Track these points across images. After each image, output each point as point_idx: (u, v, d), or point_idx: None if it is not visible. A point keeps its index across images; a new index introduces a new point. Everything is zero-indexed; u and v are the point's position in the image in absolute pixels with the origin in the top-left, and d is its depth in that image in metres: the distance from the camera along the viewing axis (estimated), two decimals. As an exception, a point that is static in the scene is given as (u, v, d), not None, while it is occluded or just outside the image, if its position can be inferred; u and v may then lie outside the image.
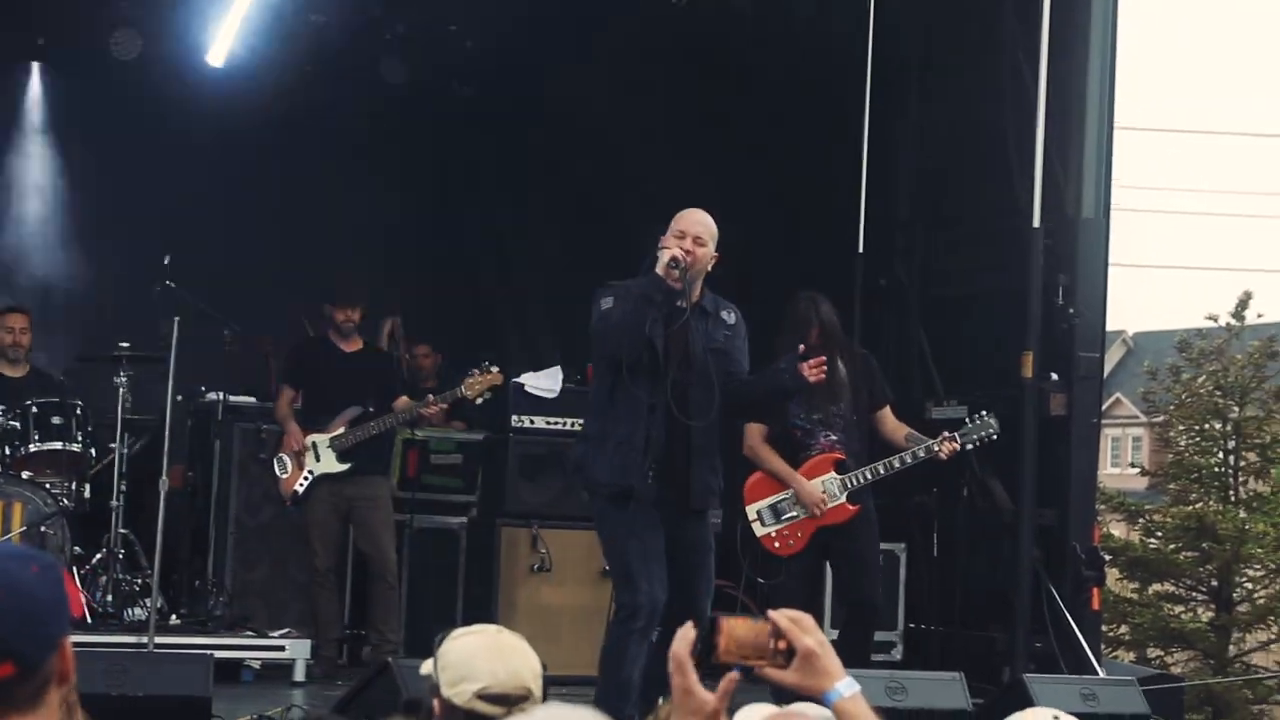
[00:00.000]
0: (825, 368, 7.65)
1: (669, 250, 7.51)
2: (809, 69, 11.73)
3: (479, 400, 9.90)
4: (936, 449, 9.03)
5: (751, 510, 9.10)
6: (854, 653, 9.12)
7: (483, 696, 3.86)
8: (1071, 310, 10.35)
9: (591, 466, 7.71)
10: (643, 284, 7.51)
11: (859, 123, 11.08)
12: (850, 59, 11.15)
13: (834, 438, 9.11)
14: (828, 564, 9.47)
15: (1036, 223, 10.12)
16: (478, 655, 3.92)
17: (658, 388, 7.54)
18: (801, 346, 7.70)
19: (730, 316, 7.80)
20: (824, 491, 9.00)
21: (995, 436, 9.19)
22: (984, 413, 9.17)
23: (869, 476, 9.09)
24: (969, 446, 9.16)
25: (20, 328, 10.67)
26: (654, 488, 7.55)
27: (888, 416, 9.31)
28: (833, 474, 9.04)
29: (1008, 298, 10.41)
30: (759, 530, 9.10)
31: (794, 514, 9.03)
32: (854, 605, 9.28)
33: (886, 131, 11.43)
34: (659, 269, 7.47)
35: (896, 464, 9.14)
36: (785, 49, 11.73)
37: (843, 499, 9.04)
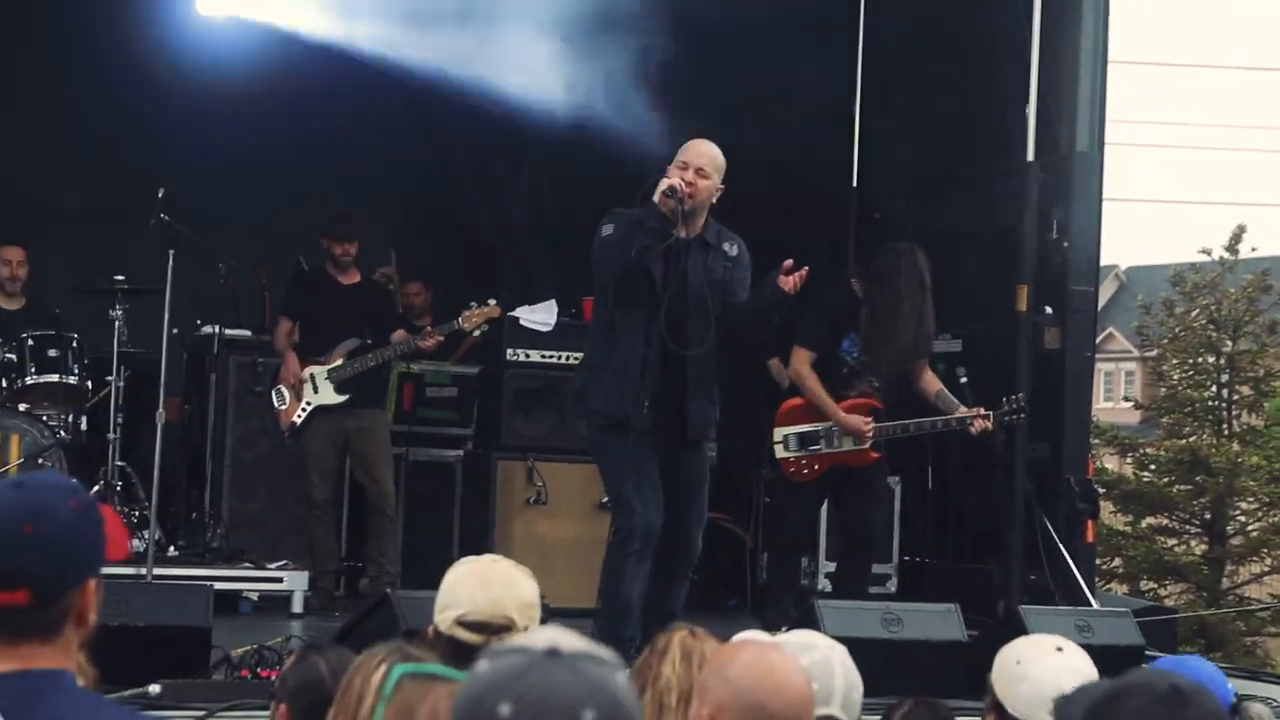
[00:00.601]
0: (802, 276, 7.65)
1: (667, 179, 7.53)
2: (803, 7, 11.68)
3: (476, 333, 9.94)
4: (969, 423, 9.08)
5: (780, 432, 9.18)
6: (852, 585, 9.23)
7: (462, 623, 3.90)
8: (1065, 244, 10.36)
9: (590, 395, 7.77)
10: (639, 211, 7.55)
11: (854, 54, 11.05)
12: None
13: (875, 384, 9.17)
14: (828, 501, 9.60)
15: (1031, 157, 10.13)
16: (462, 583, 3.96)
17: (654, 318, 7.58)
18: (787, 262, 7.68)
19: (733, 248, 7.82)
20: None
21: (1023, 418, 9.27)
22: (1019, 395, 9.25)
23: (899, 432, 9.18)
24: (1002, 423, 9.25)
25: (18, 260, 10.69)
26: (649, 417, 7.60)
27: (924, 367, 9.35)
28: (868, 420, 9.10)
29: (1002, 232, 10.43)
30: (780, 452, 9.18)
31: (819, 447, 9.10)
32: (858, 540, 9.39)
33: (881, 63, 11.41)
34: (655, 196, 7.50)
35: (927, 427, 9.24)
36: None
37: (867, 445, 9.12)
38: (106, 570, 2.91)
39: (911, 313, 9.06)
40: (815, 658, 3.60)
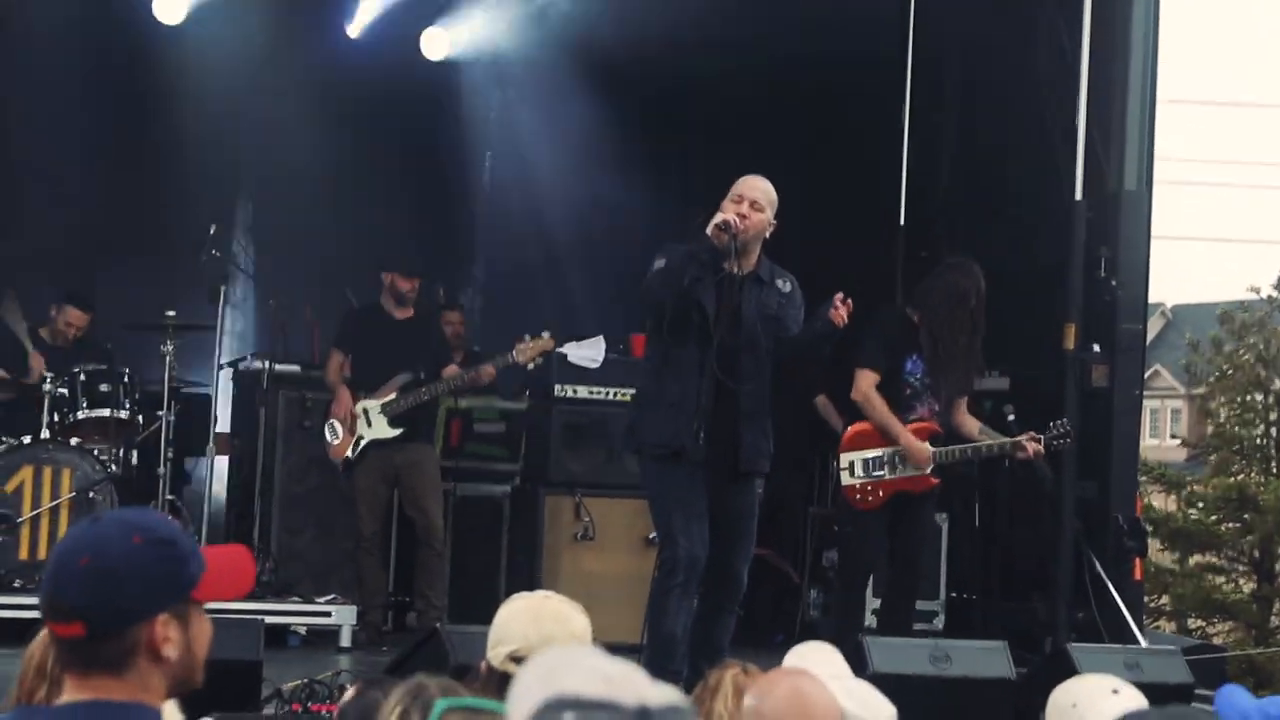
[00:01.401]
0: (850, 308, 7.66)
1: (721, 213, 7.57)
2: (852, 43, 11.71)
3: (530, 366, 9.97)
4: (1021, 447, 9.06)
5: (845, 458, 9.12)
6: (898, 620, 9.19)
7: (515, 658, 3.92)
8: (1113, 282, 10.36)
9: (643, 428, 7.78)
10: (692, 244, 7.59)
11: (901, 96, 11.07)
12: (893, 32, 11.15)
13: (936, 408, 9.15)
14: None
15: (1079, 195, 10.13)
16: (515, 619, 3.98)
17: (707, 350, 7.61)
18: (839, 294, 7.69)
19: (786, 285, 7.84)
20: None
21: (1070, 443, 9.26)
22: (1063, 420, 9.22)
23: (958, 456, 9.16)
24: (1050, 448, 9.25)
25: (80, 324, 10.74)
26: (703, 449, 7.60)
27: (963, 405, 9.32)
28: (927, 445, 9.07)
29: (1050, 270, 10.42)
30: (846, 479, 9.13)
31: (883, 473, 9.07)
32: (906, 574, 9.33)
33: (929, 104, 11.42)
34: (708, 229, 7.54)
35: (984, 451, 9.21)
36: (828, 24, 11.70)
37: (928, 470, 9.09)
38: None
39: (966, 328, 9.06)
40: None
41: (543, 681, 2.17)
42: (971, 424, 9.25)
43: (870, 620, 10.42)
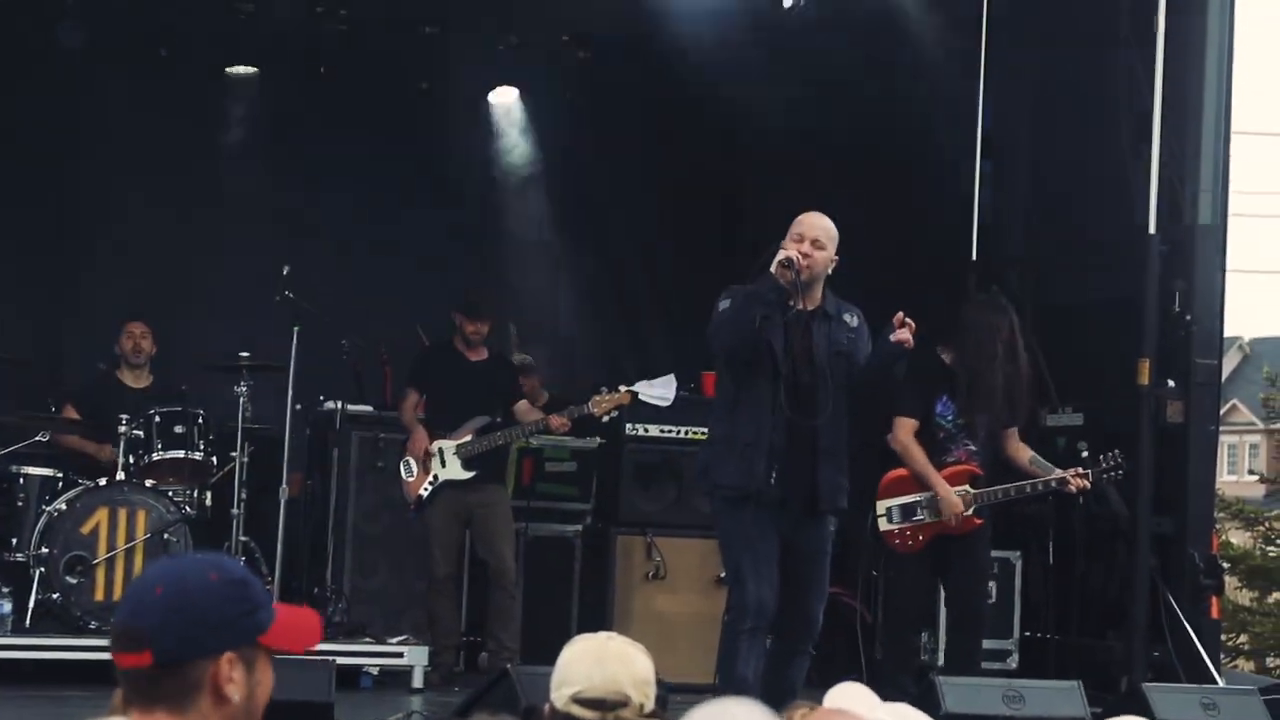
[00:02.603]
0: (913, 328, 7.63)
1: (785, 250, 7.55)
2: (922, 74, 11.70)
3: (605, 419, 10.01)
4: (1066, 483, 9.03)
5: (882, 505, 9.12)
6: (965, 661, 9.15)
7: (578, 700, 3.91)
8: (1189, 317, 10.28)
9: (717, 470, 7.74)
10: (754, 286, 7.57)
11: (973, 129, 11.04)
12: (965, 65, 11.12)
13: (973, 448, 9.11)
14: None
15: (1153, 229, 10.06)
16: (578, 660, 3.97)
17: (778, 390, 7.58)
18: (899, 315, 7.66)
19: (853, 319, 7.82)
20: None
21: (1123, 474, 9.20)
22: (1116, 452, 9.17)
23: (1000, 497, 9.11)
24: (1100, 480, 9.19)
25: (140, 333, 10.88)
26: (778, 490, 7.58)
27: (1014, 435, 9.29)
28: (967, 487, 9.04)
29: (1123, 305, 10.35)
30: (883, 525, 9.14)
31: (921, 517, 9.05)
32: (965, 614, 9.31)
33: (1001, 137, 11.38)
34: (772, 268, 7.52)
35: (1028, 489, 9.17)
36: (899, 62, 11.70)
37: (970, 512, 9.05)
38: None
39: (999, 367, 9.01)
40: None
41: None
42: (1024, 454, 9.22)
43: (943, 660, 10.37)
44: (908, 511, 9.08)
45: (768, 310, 7.53)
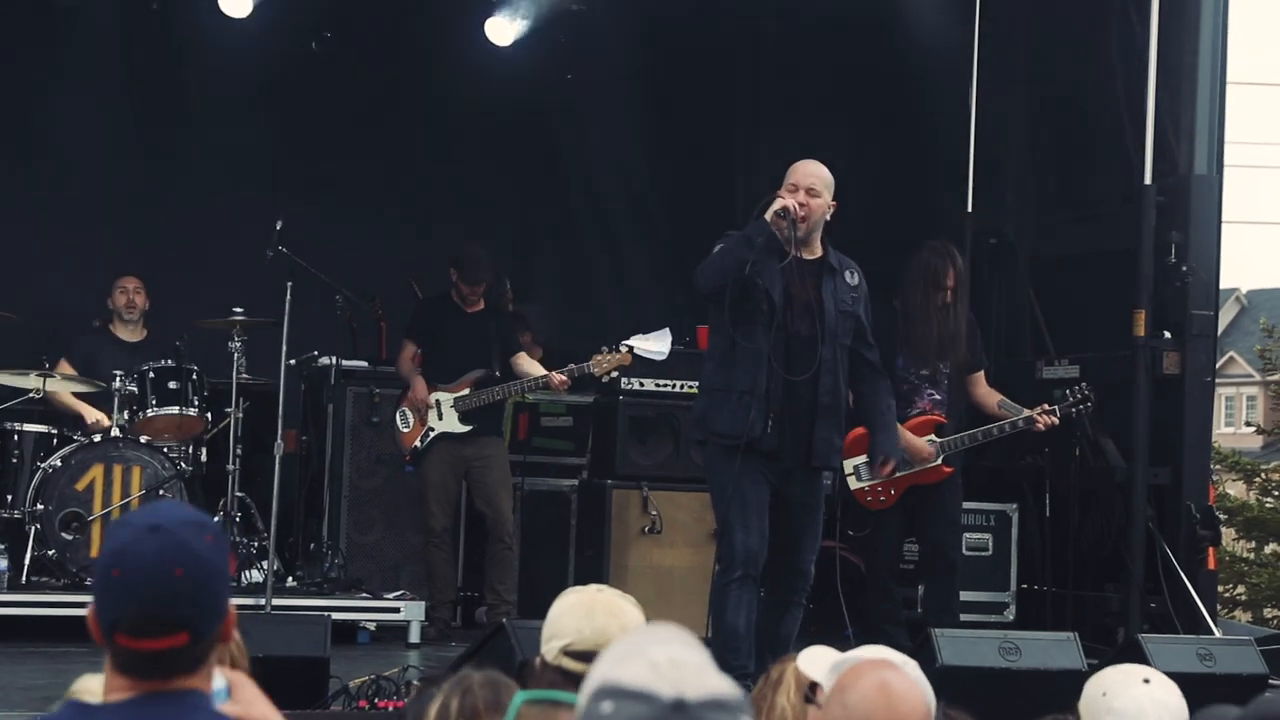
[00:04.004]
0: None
1: (781, 200, 7.51)
2: (917, 25, 11.64)
3: (604, 379, 10.00)
4: (1033, 422, 9.07)
5: (849, 464, 9.14)
6: (943, 610, 9.19)
7: (568, 653, 3.91)
8: (1184, 268, 10.26)
9: (713, 418, 7.70)
10: (748, 228, 7.54)
11: (967, 81, 11.00)
12: (960, 17, 11.07)
13: (937, 397, 9.17)
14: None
15: (1148, 180, 10.04)
16: (568, 613, 3.97)
17: (778, 340, 7.54)
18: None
19: (853, 277, 7.79)
20: None
21: (1091, 406, 9.23)
22: (1082, 385, 9.21)
23: (966, 443, 9.16)
24: (1069, 415, 9.24)
25: (134, 288, 10.86)
26: (774, 438, 7.55)
27: (980, 380, 9.39)
28: (933, 436, 9.08)
29: (1119, 256, 10.33)
30: (853, 484, 9.20)
31: None
32: (941, 564, 9.35)
33: (995, 89, 11.34)
34: (767, 215, 7.48)
35: (995, 432, 9.25)
36: (893, 4, 11.64)
37: (938, 462, 9.09)
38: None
39: (941, 313, 9.03)
40: None
41: (602, 667, 2.18)
42: (992, 398, 9.31)
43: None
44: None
45: (759, 256, 7.47)
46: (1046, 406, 9.16)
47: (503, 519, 10.25)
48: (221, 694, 2.94)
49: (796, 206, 7.50)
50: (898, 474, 8.88)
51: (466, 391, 10.20)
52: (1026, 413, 9.17)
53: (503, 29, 12.57)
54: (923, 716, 3.23)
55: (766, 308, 7.54)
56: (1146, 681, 3.84)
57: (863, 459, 9.02)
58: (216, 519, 10.11)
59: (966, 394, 9.35)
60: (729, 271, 7.47)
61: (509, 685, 3.44)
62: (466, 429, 10.19)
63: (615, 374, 10.06)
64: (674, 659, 2.13)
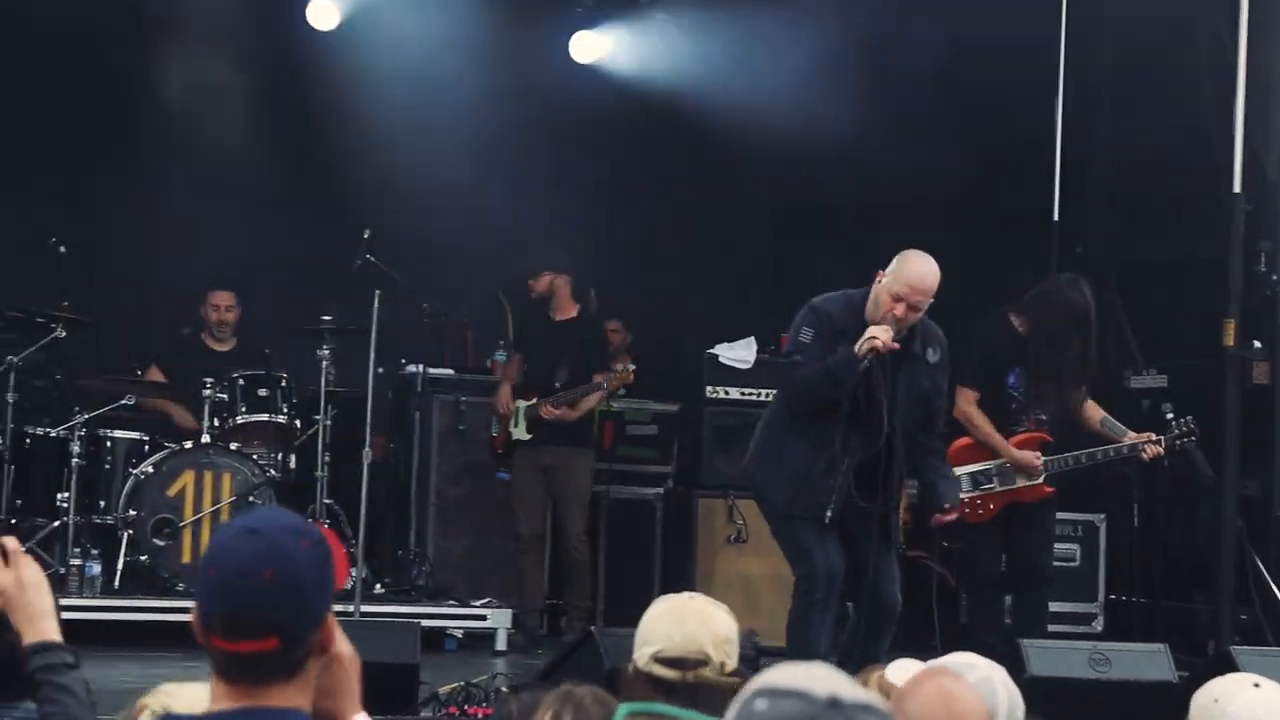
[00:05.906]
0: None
1: (873, 342, 7.37)
2: (1005, 35, 11.59)
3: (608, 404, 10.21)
4: (1140, 450, 8.96)
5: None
6: (1033, 623, 9.10)
7: (658, 659, 3.92)
8: (1274, 277, 10.19)
9: (767, 487, 7.73)
10: (839, 358, 7.39)
11: (1054, 88, 10.95)
12: (1047, 28, 11.02)
13: (1043, 417, 9.04)
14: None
15: (1237, 188, 9.96)
16: (659, 620, 3.98)
17: (844, 429, 7.46)
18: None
19: (934, 354, 7.69)
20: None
21: (1195, 440, 9.11)
22: (1188, 418, 9.08)
23: (1070, 464, 9.05)
24: (1173, 447, 9.13)
25: (226, 305, 10.93)
26: (834, 511, 7.50)
27: (1084, 396, 9.23)
28: (1038, 453, 8.98)
29: (1208, 265, 10.26)
30: None
31: (991, 485, 8.98)
32: (1033, 577, 9.25)
33: (1083, 97, 11.29)
34: (858, 349, 7.36)
35: (1099, 456, 9.11)
36: (981, 15, 11.60)
37: (1040, 480, 9.00)
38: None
39: (1076, 346, 8.92)
40: (977, 677, 3.56)
41: (755, 682, 2.22)
42: (1095, 414, 9.14)
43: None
44: (977, 480, 9.01)
45: (843, 395, 7.38)
46: (1154, 436, 9.01)
47: (567, 528, 10.30)
48: None
49: (888, 341, 7.36)
50: (999, 489, 8.85)
51: (535, 400, 10.27)
52: (1132, 438, 8.99)
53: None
54: (981, 715, 3.24)
55: (846, 405, 7.44)
56: (1257, 686, 3.82)
57: (965, 470, 8.96)
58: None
59: (1071, 407, 9.21)
60: (820, 402, 7.44)
61: (612, 701, 3.46)
62: (529, 437, 10.26)
63: (622, 392, 10.22)
64: (828, 671, 2.18)
